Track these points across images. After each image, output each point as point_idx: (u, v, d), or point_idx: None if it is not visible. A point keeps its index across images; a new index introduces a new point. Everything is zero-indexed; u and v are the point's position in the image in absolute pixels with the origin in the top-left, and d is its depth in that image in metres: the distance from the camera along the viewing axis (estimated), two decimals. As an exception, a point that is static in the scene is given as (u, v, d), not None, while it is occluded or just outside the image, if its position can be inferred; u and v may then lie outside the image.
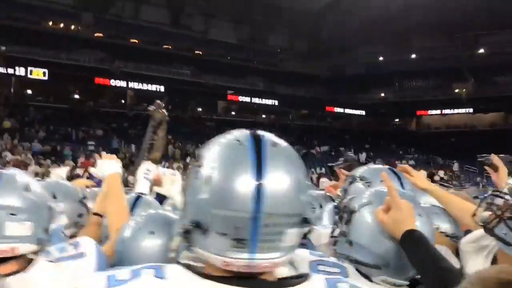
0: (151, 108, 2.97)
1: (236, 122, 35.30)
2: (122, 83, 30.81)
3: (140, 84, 31.26)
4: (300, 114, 41.59)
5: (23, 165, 18.94)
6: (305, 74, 40.15)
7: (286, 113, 40.43)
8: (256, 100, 36.29)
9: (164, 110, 3.03)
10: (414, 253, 1.46)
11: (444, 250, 1.94)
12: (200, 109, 36.37)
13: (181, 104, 35.24)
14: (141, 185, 2.72)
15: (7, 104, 26.55)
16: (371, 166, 2.19)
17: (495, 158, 2.44)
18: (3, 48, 28.65)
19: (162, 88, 31.60)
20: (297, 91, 37.90)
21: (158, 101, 2.99)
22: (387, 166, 2.14)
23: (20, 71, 26.86)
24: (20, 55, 28.23)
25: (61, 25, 36.81)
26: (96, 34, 36.96)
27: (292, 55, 41.96)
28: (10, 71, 26.67)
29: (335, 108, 40.26)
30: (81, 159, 20.96)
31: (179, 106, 35.55)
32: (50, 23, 36.44)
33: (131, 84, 31.21)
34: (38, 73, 27.30)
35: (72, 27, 37.30)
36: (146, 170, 2.73)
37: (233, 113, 38.65)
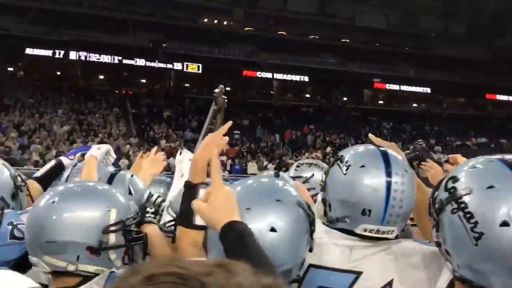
0: (216, 91, 2.88)
1: (383, 111, 33.94)
2: (268, 75, 31.67)
3: (285, 74, 31.80)
4: (455, 103, 38.30)
5: (174, 151, 20.71)
6: (462, 58, 36.79)
7: (439, 101, 37.56)
8: (405, 87, 34.31)
9: (224, 97, 2.92)
10: (230, 253, 1.18)
11: None
12: (345, 98, 35.72)
13: (325, 93, 35.10)
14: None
15: (167, 96, 29.20)
16: (361, 146, 1.74)
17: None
18: (164, 44, 31.65)
19: (306, 78, 31.75)
20: (452, 77, 34.91)
21: (222, 86, 2.88)
22: (381, 147, 1.68)
23: (178, 65, 29.21)
24: (178, 51, 30.94)
25: (215, 21, 39.34)
26: (246, 28, 38.76)
27: (447, 38, 38.75)
28: (169, 66, 29.20)
29: (498, 96, 36.16)
30: (226, 147, 22.19)
31: (323, 95, 35.47)
32: (206, 20, 39.17)
33: (276, 75, 31.93)
34: (193, 67, 29.41)
35: (225, 22, 39.63)
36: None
37: (380, 102, 37.18)
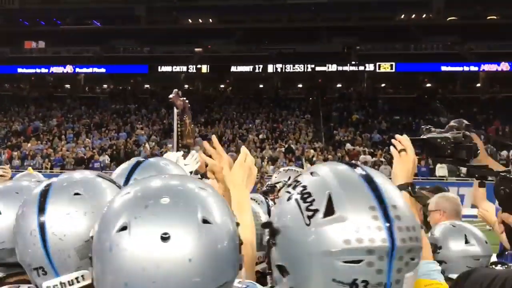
0: (170, 96, 3.06)
1: None
2: (473, 67, 28.67)
3: (494, 64, 28.29)
4: None
5: (357, 154, 20.54)
6: None
7: None
8: None
9: (183, 98, 3.05)
10: None
11: None
12: None
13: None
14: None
15: (360, 98, 29.04)
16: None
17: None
18: (357, 47, 31.58)
19: (519, 66, 27.70)
20: None
21: (176, 90, 3.05)
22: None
23: (370, 67, 28.80)
24: (371, 52, 30.52)
25: (412, 16, 37.39)
26: (449, 19, 35.80)
27: None
28: (361, 68, 29.02)
29: None
30: (418, 148, 20.97)
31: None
32: (402, 16, 37.55)
33: (483, 67, 28.68)
34: (386, 67, 28.62)
35: (423, 15, 37.32)
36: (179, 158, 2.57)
37: None
